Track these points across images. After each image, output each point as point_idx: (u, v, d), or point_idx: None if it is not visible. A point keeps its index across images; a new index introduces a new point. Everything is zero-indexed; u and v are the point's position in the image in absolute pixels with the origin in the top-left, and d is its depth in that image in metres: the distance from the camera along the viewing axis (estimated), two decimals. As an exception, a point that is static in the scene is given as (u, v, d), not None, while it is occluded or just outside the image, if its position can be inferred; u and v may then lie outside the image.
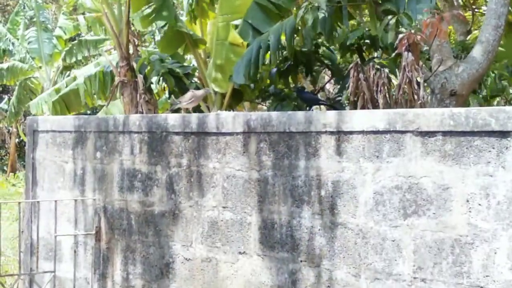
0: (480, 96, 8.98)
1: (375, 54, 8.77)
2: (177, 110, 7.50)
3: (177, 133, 6.00)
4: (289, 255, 5.22)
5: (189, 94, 6.83)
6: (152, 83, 9.59)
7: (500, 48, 7.39)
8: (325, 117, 5.04)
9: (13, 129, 26.73)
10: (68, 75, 19.85)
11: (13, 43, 22.04)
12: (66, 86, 15.73)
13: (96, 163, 6.67)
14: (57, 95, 13.73)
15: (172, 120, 6.04)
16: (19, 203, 6.82)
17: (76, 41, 21.66)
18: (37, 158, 7.28)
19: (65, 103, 13.07)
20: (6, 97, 27.22)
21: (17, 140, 26.82)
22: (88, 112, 19.14)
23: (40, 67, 22.11)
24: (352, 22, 8.51)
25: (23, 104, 22.58)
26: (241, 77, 8.10)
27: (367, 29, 8.01)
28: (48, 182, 7.17)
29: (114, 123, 6.50)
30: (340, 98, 8.30)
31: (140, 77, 9.33)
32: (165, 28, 9.61)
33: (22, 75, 22.17)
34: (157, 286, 6.14)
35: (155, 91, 10.12)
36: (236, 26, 8.89)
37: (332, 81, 10.16)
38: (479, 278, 4.25)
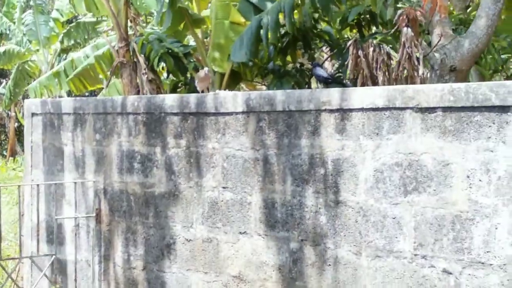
0: (490, 71, 8.87)
1: (374, 30, 8.67)
2: (176, 89, 7.36)
3: (175, 114, 5.97)
4: (290, 234, 5.21)
5: (202, 73, 6.70)
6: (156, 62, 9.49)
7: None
8: (324, 95, 5.01)
9: (11, 113, 26.66)
10: (65, 58, 19.70)
11: (9, 27, 21.89)
12: (65, 70, 15.68)
13: (95, 145, 6.64)
14: (72, 74, 13.88)
15: (171, 100, 6.00)
16: (19, 186, 6.81)
17: (74, 24, 21.50)
18: (36, 141, 7.24)
19: (80, 80, 13.26)
20: (3, 81, 27.13)
21: (16, 124, 26.76)
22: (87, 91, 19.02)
23: (37, 50, 21.97)
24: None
25: (20, 88, 22.47)
26: (239, 55, 8.03)
27: (366, 6, 7.92)
28: (48, 165, 7.15)
29: (112, 104, 6.46)
30: (341, 75, 8.18)
31: (141, 58, 9.24)
32: (164, 7, 9.49)
33: (19, 59, 22.03)
34: (158, 267, 6.15)
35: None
36: (235, 5, 8.80)
37: (329, 58, 10.07)
38: (480, 254, 4.24)
